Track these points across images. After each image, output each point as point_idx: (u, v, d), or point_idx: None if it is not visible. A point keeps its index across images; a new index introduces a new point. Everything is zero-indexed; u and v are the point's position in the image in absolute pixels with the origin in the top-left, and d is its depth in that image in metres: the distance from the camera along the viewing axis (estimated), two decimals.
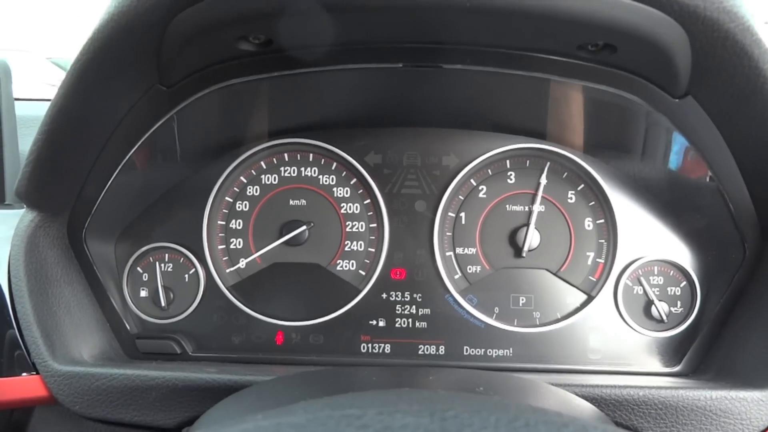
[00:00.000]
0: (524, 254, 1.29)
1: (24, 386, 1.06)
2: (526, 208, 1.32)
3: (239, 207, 1.34)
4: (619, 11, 0.76)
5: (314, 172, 1.34)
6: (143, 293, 1.31)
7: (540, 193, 1.31)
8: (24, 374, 1.07)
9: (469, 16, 0.79)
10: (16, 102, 1.74)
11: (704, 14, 0.75)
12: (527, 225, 1.29)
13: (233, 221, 1.34)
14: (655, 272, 1.30)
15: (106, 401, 1.03)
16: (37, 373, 1.05)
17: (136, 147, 1.12)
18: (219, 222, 1.34)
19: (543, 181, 1.31)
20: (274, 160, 1.35)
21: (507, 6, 0.75)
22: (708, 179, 1.12)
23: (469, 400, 0.49)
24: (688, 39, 0.80)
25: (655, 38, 0.80)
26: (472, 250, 1.32)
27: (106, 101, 0.96)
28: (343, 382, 0.76)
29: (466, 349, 1.30)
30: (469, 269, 1.32)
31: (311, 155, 1.35)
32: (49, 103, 0.94)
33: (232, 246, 1.34)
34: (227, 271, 1.33)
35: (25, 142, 1.40)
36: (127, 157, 1.13)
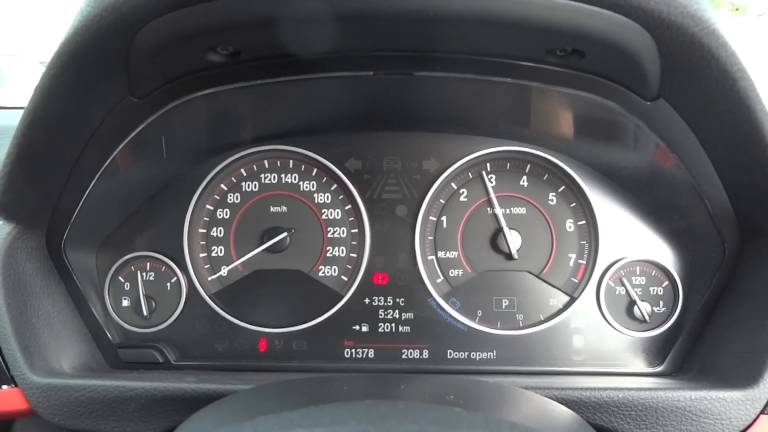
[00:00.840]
0: (515, 256, 1.29)
1: (3, 399, 1.06)
2: (508, 211, 1.32)
3: (220, 215, 1.34)
4: (584, 17, 0.76)
5: (295, 179, 1.34)
6: (125, 302, 1.31)
7: (493, 196, 1.31)
8: (4, 387, 1.07)
9: (435, 24, 0.79)
10: (5, 111, 1.73)
11: (669, 19, 0.75)
12: (501, 229, 1.29)
13: (214, 229, 1.34)
14: (637, 272, 1.30)
15: (86, 413, 1.03)
16: (17, 386, 1.05)
17: (111, 157, 1.12)
18: (200, 230, 1.34)
19: (490, 184, 1.32)
20: (254, 167, 1.35)
21: (470, 14, 0.75)
22: (685, 180, 1.12)
23: (423, 414, 0.49)
24: (654, 43, 0.80)
25: (621, 43, 0.80)
26: (453, 254, 1.33)
27: (77, 113, 0.96)
28: (314, 393, 0.76)
29: (450, 353, 1.30)
30: (451, 273, 1.32)
31: (291, 162, 1.34)
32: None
33: (213, 254, 1.34)
34: (209, 279, 1.33)
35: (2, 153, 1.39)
36: (104, 167, 1.13)
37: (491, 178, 1.33)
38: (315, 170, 1.34)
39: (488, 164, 1.33)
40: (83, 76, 0.85)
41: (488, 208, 1.33)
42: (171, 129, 1.14)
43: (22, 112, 1.99)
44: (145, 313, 1.29)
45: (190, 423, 0.81)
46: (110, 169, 1.14)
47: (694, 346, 1.22)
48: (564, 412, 0.87)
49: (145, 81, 0.94)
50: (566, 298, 1.30)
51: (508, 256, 1.30)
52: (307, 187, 1.34)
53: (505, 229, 1.29)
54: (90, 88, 0.89)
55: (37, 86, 0.87)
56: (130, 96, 0.96)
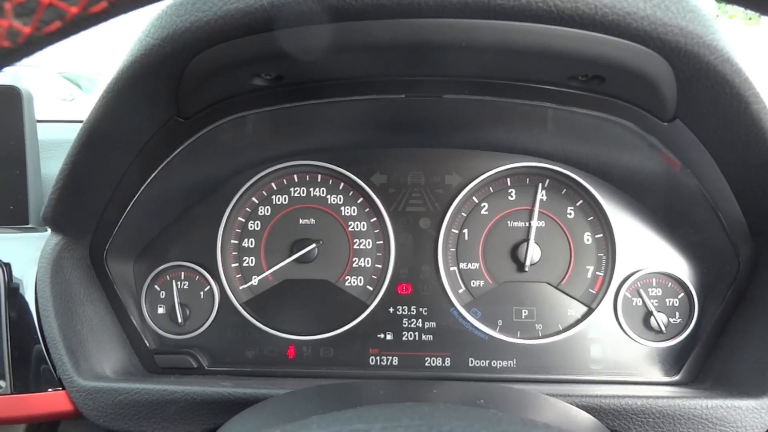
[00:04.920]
0: (527, 268, 1.34)
1: (51, 401, 1.12)
2: (527, 224, 1.37)
3: (251, 227, 1.40)
4: (606, 47, 0.81)
5: (323, 193, 1.40)
6: (161, 310, 1.37)
7: (537, 209, 1.35)
8: (50, 389, 1.13)
9: (466, 52, 0.85)
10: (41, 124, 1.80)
11: (685, 48, 0.80)
12: (527, 240, 1.34)
13: (246, 240, 1.40)
14: (654, 284, 1.33)
15: (129, 415, 1.09)
16: (63, 389, 1.11)
17: (155, 173, 1.18)
18: (232, 241, 1.40)
19: (540, 197, 1.36)
20: (285, 181, 1.41)
21: (499, 45, 0.80)
22: (700, 196, 1.16)
23: (465, 414, 0.54)
24: (672, 70, 0.85)
25: (640, 70, 0.85)
26: (475, 265, 1.37)
27: (128, 133, 1.03)
28: (354, 396, 0.81)
29: (471, 361, 1.34)
30: (473, 283, 1.37)
31: (320, 176, 1.40)
32: (62, 134, 1.00)
33: (245, 264, 1.40)
34: (240, 288, 1.39)
35: (45, 165, 1.47)
36: (147, 182, 1.20)
37: (511, 192, 1.38)
38: (342, 184, 1.40)
39: (508, 179, 1.38)
40: (137, 100, 0.92)
41: (508, 221, 1.38)
42: (210, 147, 1.20)
43: (50, 125, 2.07)
44: (179, 320, 1.35)
45: (232, 424, 0.86)
46: (152, 183, 1.21)
47: (710, 356, 1.25)
48: (586, 417, 0.91)
49: (192, 103, 1.00)
50: (584, 309, 1.34)
51: (527, 268, 1.34)
52: (334, 201, 1.40)
53: (531, 241, 1.33)
54: (142, 110, 0.95)
55: (94, 108, 0.94)
56: (176, 117, 1.03)
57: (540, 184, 1.36)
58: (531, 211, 1.35)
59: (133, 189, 1.19)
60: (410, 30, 0.78)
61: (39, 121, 1.87)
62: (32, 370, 1.14)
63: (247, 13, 0.75)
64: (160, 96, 0.94)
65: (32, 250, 1.20)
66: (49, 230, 1.19)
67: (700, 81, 0.85)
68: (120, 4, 0.42)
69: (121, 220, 1.23)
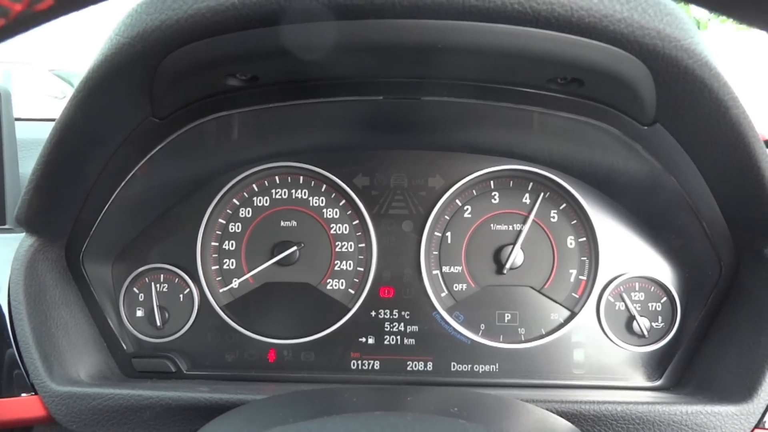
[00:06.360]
0: (505, 271, 1.33)
1: (23, 406, 1.10)
2: (511, 227, 1.36)
3: (232, 228, 1.38)
4: (583, 50, 0.80)
5: (304, 194, 1.39)
6: (139, 313, 1.35)
7: (533, 215, 1.34)
8: (23, 394, 1.10)
9: (443, 55, 0.84)
10: (15, 122, 1.78)
11: (663, 52, 0.79)
12: (513, 244, 1.33)
13: (226, 242, 1.38)
14: (637, 288, 1.33)
15: (102, 420, 1.07)
16: (36, 394, 1.09)
17: (131, 174, 1.16)
18: (212, 243, 1.38)
19: (533, 202, 1.35)
20: (266, 182, 1.39)
21: (476, 46, 0.79)
22: (682, 200, 1.16)
23: (430, 425, 0.53)
24: (650, 74, 0.84)
25: (619, 73, 0.85)
26: (458, 269, 1.36)
27: (102, 133, 1.01)
28: (325, 404, 0.80)
29: (453, 365, 1.33)
30: (456, 287, 1.36)
31: (301, 178, 1.39)
32: (48, 133, 0.98)
33: (225, 266, 1.38)
34: (220, 291, 1.37)
35: (25, 164, 1.44)
36: (123, 183, 1.18)
37: (494, 195, 1.37)
38: (324, 186, 1.39)
39: (492, 182, 1.37)
40: (109, 100, 0.90)
41: (492, 225, 1.37)
42: (187, 148, 1.19)
43: (36, 124, 2.03)
44: (158, 323, 1.33)
45: (207, 430, 0.85)
46: (129, 184, 1.19)
47: (692, 361, 1.25)
48: (563, 425, 0.90)
49: (166, 103, 0.99)
50: (567, 313, 1.34)
51: (510, 271, 1.33)
52: (316, 203, 1.38)
53: (518, 246, 1.32)
54: (115, 110, 0.94)
55: (65, 107, 0.92)
56: (151, 117, 1.01)
57: (541, 192, 1.35)
58: (526, 217, 1.34)
59: (109, 190, 1.17)
60: (384, 31, 0.77)
61: (19, 120, 1.85)
62: (4, 374, 1.12)
63: (218, 11, 0.74)
64: (132, 96, 0.93)
65: (9, 251, 1.18)
66: None
67: (678, 85, 0.85)
68: (67, 2, 0.41)
69: (97, 222, 1.21)
